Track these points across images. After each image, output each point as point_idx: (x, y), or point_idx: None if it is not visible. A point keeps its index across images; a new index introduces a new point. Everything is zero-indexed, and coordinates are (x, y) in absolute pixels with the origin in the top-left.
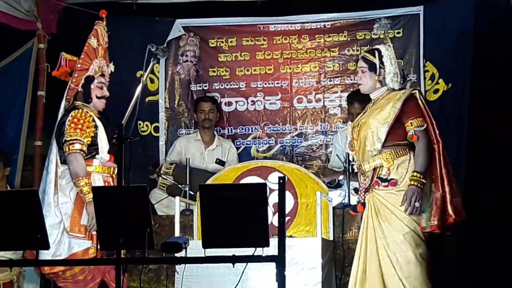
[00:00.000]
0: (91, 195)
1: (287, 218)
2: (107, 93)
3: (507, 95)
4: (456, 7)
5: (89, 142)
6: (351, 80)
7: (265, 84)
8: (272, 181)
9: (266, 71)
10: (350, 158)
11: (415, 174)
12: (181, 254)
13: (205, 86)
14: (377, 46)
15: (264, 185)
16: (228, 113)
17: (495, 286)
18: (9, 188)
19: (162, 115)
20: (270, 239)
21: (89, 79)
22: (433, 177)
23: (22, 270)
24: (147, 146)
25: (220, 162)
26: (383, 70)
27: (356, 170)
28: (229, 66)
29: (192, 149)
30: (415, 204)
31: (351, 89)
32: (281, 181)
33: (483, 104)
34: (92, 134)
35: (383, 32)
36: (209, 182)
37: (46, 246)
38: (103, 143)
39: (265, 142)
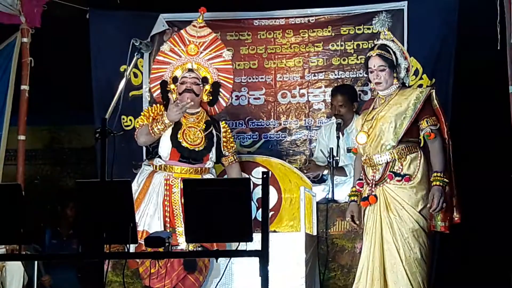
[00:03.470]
0: (163, 120)
1: (271, 213)
2: (190, 86)
3: (490, 89)
4: (440, 2)
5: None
6: (335, 75)
7: (249, 79)
8: (256, 176)
9: (250, 66)
10: (360, 150)
11: (436, 174)
12: None
13: None
14: (385, 43)
15: (248, 180)
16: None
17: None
18: None
19: None
20: (254, 234)
21: (164, 84)
22: (445, 178)
23: (5, 265)
24: (130, 140)
25: None
26: (399, 67)
27: (342, 165)
28: None
29: None
30: (443, 204)
31: (335, 84)
32: (264, 176)
33: (466, 98)
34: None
35: (383, 27)
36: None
37: (30, 241)
38: (165, 140)
39: (249, 137)
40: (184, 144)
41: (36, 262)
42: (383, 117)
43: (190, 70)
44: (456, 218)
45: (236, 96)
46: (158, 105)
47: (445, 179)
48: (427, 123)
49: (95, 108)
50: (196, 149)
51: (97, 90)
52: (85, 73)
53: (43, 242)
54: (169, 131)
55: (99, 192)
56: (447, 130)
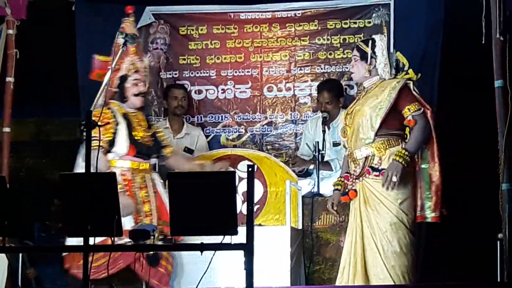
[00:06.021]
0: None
1: (256, 207)
2: (143, 89)
3: (476, 84)
4: None
5: (109, 138)
6: (321, 69)
7: (235, 72)
8: (242, 169)
9: (236, 60)
10: (344, 145)
11: (402, 151)
12: None
13: (175, 74)
14: (373, 36)
15: (233, 173)
16: (198, 101)
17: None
18: None
19: None
20: (239, 227)
21: (123, 78)
22: (432, 165)
23: None
24: None
25: (189, 151)
26: (374, 60)
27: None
28: (199, 54)
29: None
30: (393, 178)
31: (321, 78)
32: (250, 169)
33: (452, 93)
34: (112, 130)
35: (380, 21)
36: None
37: (14, 234)
38: (122, 138)
39: (235, 130)
40: (140, 140)
41: (20, 255)
42: (359, 110)
43: (137, 71)
44: (443, 211)
45: (222, 89)
46: (107, 110)
47: (407, 157)
48: (409, 111)
49: (81, 101)
50: (149, 145)
51: (83, 82)
52: (71, 65)
53: (32, 237)
54: (124, 129)
55: (84, 184)
56: (431, 115)
